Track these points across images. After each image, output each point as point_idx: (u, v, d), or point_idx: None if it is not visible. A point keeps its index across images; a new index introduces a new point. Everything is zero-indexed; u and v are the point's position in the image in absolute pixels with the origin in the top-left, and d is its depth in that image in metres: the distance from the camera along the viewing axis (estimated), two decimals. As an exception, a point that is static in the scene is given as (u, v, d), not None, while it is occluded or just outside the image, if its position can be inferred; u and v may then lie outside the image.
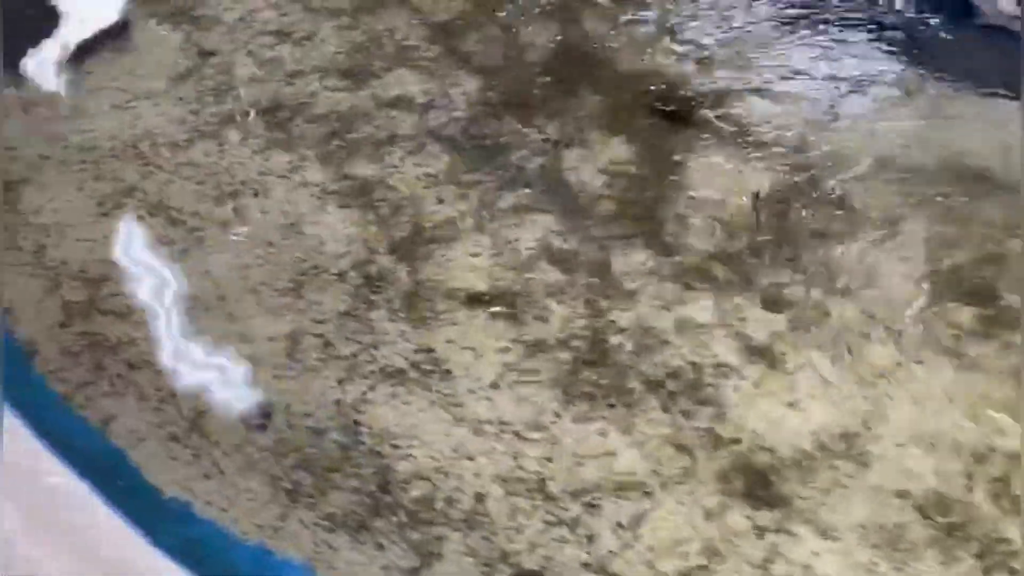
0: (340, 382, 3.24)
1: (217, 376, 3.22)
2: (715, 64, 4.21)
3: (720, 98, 4.16)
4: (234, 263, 3.62)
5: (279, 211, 3.79)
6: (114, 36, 4.36)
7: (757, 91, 4.25)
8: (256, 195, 3.84)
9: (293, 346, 3.35)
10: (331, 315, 3.43)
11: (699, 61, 4.34)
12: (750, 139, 4.02)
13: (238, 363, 3.36)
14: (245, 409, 3.18)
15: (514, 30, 4.56)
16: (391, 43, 4.43)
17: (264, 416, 3.12)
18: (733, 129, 4.04)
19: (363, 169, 3.94)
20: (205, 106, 4.11)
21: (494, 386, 3.28)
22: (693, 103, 4.22)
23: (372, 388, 3.22)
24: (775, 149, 3.94)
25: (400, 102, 4.16)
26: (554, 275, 3.60)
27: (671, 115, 4.24)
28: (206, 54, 4.33)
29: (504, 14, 4.61)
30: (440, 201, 3.85)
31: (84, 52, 4.33)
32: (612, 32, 4.51)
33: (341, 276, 3.55)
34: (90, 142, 3.91)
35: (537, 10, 4.56)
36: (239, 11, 4.50)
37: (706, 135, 4.07)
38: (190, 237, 3.68)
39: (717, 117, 4.13)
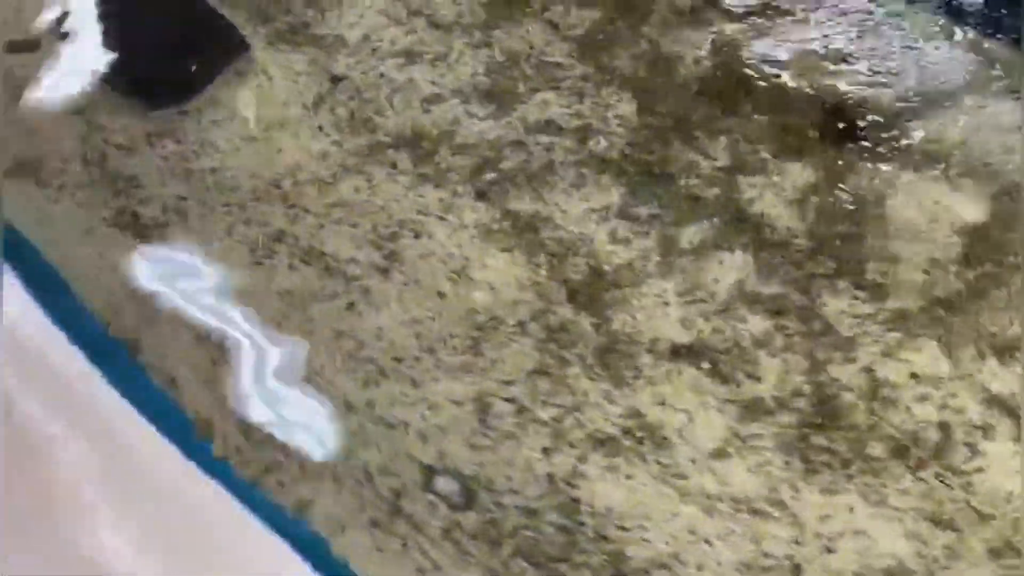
0: (546, 452, 2.89)
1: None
2: (884, 77, 3.86)
3: (896, 114, 3.82)
4: (404, 317, 3.28)
5: (443, 255, 3.44)
6: (234, 56, 4.00)
7: (937, 107, 3.92)
8: (416, 237, 3.49)
9: (483, 411, 3.01)
10: (519, 375, 3.09)
11: (866, 73, 4.00)
12: (941, 160, 3.68)
13: (427, 429, 3.03)
14: (443, 486, 2.85)
15: (659, 44, 4.21)
16: (531, 61, 4.06)
17: (465, 493, 2.79)
18: (919, 148, 3.70)
19: (524, 204, 3.58)
20: (346, 137, 3.76)
21: (717, 455, 2.95)
22: (868, 120, 3.88)
23: (583, 459, 2.88)
24: (971, 171, 3.61)
25: (551, 127, 3.79)
26: (758, 323, 3.25)
27: (847, 134, 3.89)
28: (337, 79, 3.97)
29: (647, 27, 4.27)
30: (615, 239, 3.50)
31: (204, 74, 3.96)
32: (762, 46, 4.16)
33: (521, 328, 3.21)
34: (230, 181, 3.55)
35: (679, 23, 4.21)
36: (363, 29, 4.14)
37: (890, 156, 3.73)
38: (354, 288, 3.33)
39: (898, 135, 3.79)
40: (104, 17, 3.93)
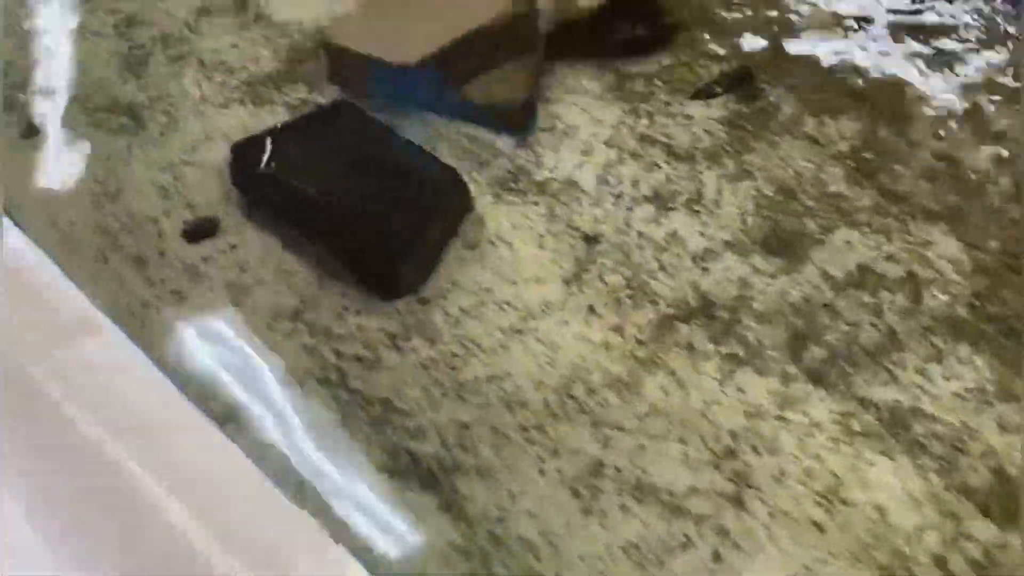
0: None
1: None
2: None
3: None
4: (792, 565, 2.56)
5: (800, 473, 2.74)
6: (462, 216, 3.31)
7: None
8: (757, 451, 2.79)
9: None
10: (968, 637, 2.38)
11: None
12: None
13: None
14: None
15: (943, 155, 3.58)
16: (807, 192, 3.41)
17: None
18: None
19: (878, 392, 2.91)
20: (630, 317, 3.05)
21: None
22: None
23: None
24: None
25: (867, 279, 3.14)
26: None
27: None
28: (591, 239, 3.27)
29: (922, 134, 3.63)
30: (1006, 428, 2.84)
31: (438, 243, 3.25)
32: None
33: (941, 566, 2.51)
34: (514, 395, 2.83)
35: (947, 122, 3.59)
36: (594, 168, 3.46)
37: None
38: (708, 530, 2.61)
39: None
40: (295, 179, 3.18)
